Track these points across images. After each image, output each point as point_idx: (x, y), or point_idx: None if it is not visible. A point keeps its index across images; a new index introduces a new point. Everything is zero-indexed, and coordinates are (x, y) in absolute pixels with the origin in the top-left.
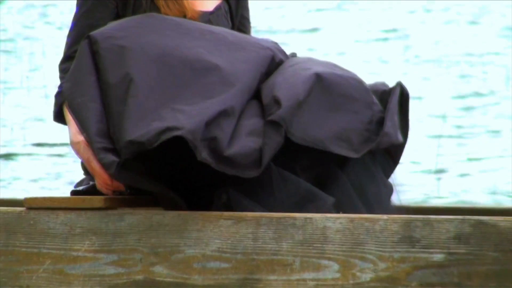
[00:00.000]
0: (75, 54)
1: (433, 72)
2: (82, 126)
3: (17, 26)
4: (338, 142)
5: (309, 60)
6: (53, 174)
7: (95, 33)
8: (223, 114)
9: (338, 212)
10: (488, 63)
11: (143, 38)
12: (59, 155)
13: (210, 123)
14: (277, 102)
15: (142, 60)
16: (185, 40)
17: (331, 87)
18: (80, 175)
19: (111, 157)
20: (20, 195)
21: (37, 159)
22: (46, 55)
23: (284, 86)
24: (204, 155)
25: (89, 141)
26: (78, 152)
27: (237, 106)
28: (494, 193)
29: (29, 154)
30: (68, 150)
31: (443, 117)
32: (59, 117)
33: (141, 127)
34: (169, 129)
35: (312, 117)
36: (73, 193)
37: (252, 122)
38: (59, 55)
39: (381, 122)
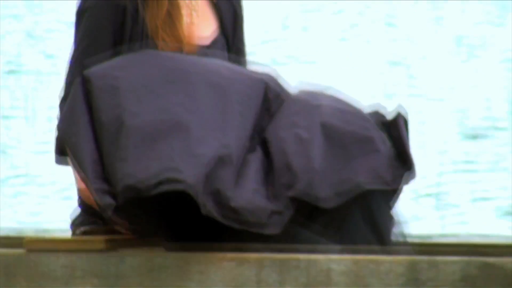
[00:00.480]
0: None
1: (436, 104)
2: (78, 167)
3: (19, 58)
4: (372, 179)
5: (311, 100)
6: (55, 208)
7: (88, 72)
8: (220, 163)
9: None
10: (491, 96)
11: (137, 80)
12: (62, 189)
13: (209, 175)
14: (290, 169)
15: (135, 102)
16: (178, 85)
17: (344, 137)
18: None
19: (108, 200)
20: (21, 226)
21: (39, 193)
22: (49, 88)
23: (295, 149)
24: (209, 208)
25: (86, 183)
26: (88, 199)
27: (234, 153)
28: (498, 227)
29: (31, 187)
30: (71, 181)
31: (445, 151)
32: (60, 159)
33: (138, 170)
34: (169, 180)
35: (336, 173)
36: (75, 232)
37: (256, 178)
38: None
39: (396, 154)
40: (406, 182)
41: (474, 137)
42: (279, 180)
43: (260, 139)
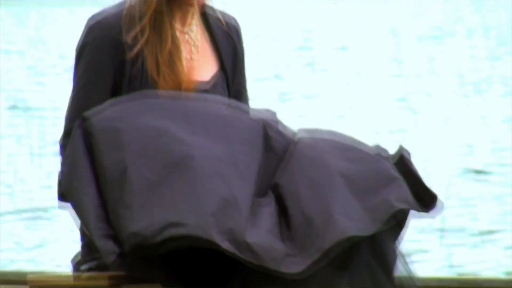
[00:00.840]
0: None
1: (440, 140)
2: (81, 213)
3: (21, 94)
4: (401, 202)
5: (319, 143)
6: (61, 243)
7: (89, 114)
8: (226, 204)
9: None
10: (495, 131)
11: (138, 121)
12: (68, 224)
13: (216, 215)
14: (307, 218)
15: (136, 145)
16: (178, 126)
17: (362, 175)
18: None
19: (111, 245)
20: (26, 262)
21: (44, 228)
22: (53, 124)
23: (309, 194)
24: (226, 245)
25: (88, 228)
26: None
27: (239, 194)
28: (504, 262)
29: (36, 222)
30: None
31: (450, 186)
32: (64, 200)
33: (142, 217)
34: (172, 224)
35: (363, 205)
36: (78, 269)
37: (271, 221)
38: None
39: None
40: (433, 216)
41: (479, 172)
42: (294, 225)
43: (271, 184)
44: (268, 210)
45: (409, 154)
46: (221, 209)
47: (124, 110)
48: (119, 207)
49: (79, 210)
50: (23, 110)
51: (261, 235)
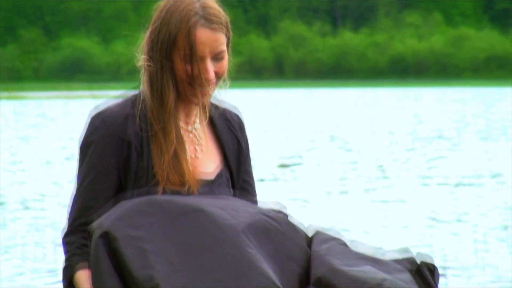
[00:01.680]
0: (80, 227)
1: (453, 230)
2: None
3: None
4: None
5: (341, 242)
6: None
7: (111, 230)
8: None
9: None
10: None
11: (160, 241)
12: None
13: None
14: (365, 284)
15: (164, 264)
16: (194, 239)
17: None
18: None
19: None
20: None
21: None
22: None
23: (362, 272)
24: None
25: None
26: None
27: (275, 278)
28: None
29: None
30: None
31: (465, 274)
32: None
33: None
34: None
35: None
36: None
37: None
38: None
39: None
40: None
41: (487, 258)
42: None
43: (309, 281)
44: None
45: (433, 266)
46: None
47: (147, 227)
48: None
49: None
50: (38, 210)
51: None
